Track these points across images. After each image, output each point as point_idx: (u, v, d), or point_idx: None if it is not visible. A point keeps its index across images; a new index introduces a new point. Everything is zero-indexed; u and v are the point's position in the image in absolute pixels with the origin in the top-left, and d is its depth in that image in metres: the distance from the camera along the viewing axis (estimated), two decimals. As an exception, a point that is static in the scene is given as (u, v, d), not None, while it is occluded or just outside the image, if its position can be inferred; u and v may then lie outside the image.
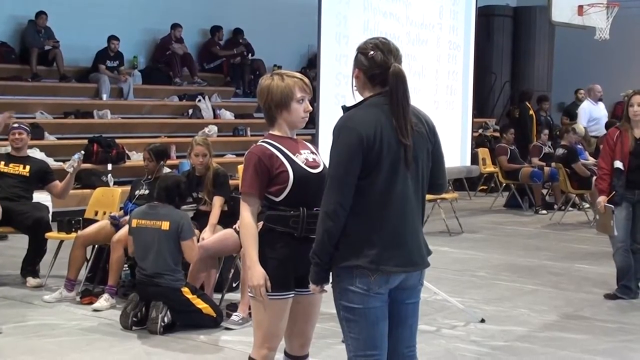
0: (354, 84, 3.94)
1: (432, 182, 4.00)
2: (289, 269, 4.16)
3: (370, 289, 3.78)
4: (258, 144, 4.25)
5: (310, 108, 4.30)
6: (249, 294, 4.19)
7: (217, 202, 7.56)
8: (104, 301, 7.42)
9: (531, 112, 17.06)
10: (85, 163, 13.39)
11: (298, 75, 4.30)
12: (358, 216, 3.78)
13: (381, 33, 6.72)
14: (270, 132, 4.29)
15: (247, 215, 4.14)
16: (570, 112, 18.93)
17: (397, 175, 3.78)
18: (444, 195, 12.73)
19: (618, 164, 7.87)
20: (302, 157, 4.23)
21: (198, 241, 7.15)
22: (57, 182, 8.57)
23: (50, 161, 12.99)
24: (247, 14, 18.45)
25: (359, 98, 3.92)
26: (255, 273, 4.09)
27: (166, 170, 8.63)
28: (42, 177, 8.59)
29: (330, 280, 3.90)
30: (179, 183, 7.19)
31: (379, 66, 3.84)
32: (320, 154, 4.40)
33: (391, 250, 3.78)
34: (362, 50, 3.90)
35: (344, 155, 3.74)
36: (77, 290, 7.80)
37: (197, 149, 7.70)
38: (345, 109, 3.90)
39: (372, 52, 3.86)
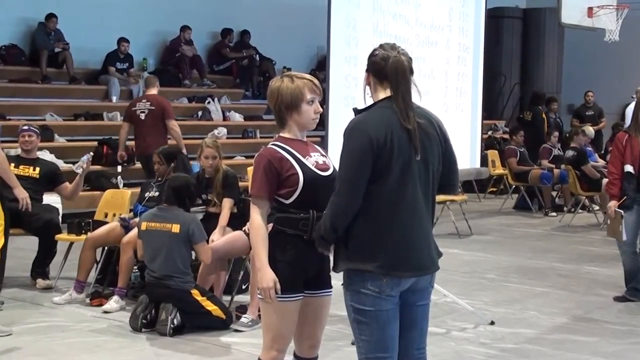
0: (368, 93, 3.96)
1: (444, 184, 4.01)
2: (298, 271, 4.16)
3: (382, 292, 3.79)
4: (268, 146, 4.25)
5: (321, 109, 4.30)
6: (259, 296, 4.19)
7: (227, 203, 7.56)
8: (114, 303, 7.43)
9: (543, 114, 17.01)
10: (95, 165, 13.42)
11: (308, 76, 4.31)
12: (368, 219, 3.79)
13: (390, 35, 6.74)
14: (281, 134, 4.29)
15: (257, 217, 4.14)
16: (580, 114, 18.90)
17: (407, 179, 3.79)
18: (453, 197, 12.73)
19: (628, 168, 7.84)
20: (312, 160, 4.23)
21: (207, 243, 7.15)
22: (66, 183, 8.58)
23: (60, 163, 13.00)
24: (256, 15, 18.47)
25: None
26: (265, 275, 4.09)
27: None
28: (51, 178, 8.61)
29: (341, 282, 3.92)
30: (189, 184, 7.18)
31: (383, 59, 3.88)
32: (329, 156, 4.41)
33: (401, 254, 3.79)
34: (369, 55, 3.98)
35: (354, 158, 3.76)
36: (86, 292, 7.82)
37: (206, 152, 7.70)
38: (356, 111, 3.91)
39: (376, 52, 3.93)
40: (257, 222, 4.14)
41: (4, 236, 6.71)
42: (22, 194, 7.92)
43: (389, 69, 3.85)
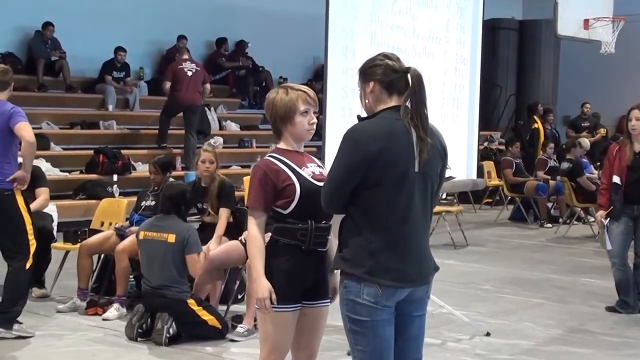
0: (367, 101, 3.93)
1: None
2: (296, 281, 4.16)
3: (377, 302, 3.79)
4: (265, 157, 4.26)
5: (315, 120, 4.30)
6: (256, 307, 4.20)
7: (223, 213, 7.54)
8: (114, 310, 7.44)
9: (536, 125, 17.02)
10: (91, 174, 13.44)
11: (303, 87, 4.32)
12: (361, 226, 3.81)
13: (388, 46, 6.75)
14: (278, 146, 4.30)
15: (253, 228, 4.14)
16: (576, 125, 18.94)
17: (402, 190, 3.79)
18: (449, 208, 12.79)
19: (615, 179, 7.93)
20: (309, 171, 4.23)
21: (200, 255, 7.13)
22: (44, 189, 8.38)
23: (56, 171, 13.04)
24: (253, 25, 18.49)
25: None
26: (261, 286, 4.09)
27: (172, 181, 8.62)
28: (34, 180, 8.30)
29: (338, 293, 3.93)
30: (184, 192, 7.18)
31: (395, 71, 3.86)
32: (326, 167, 4.41)
33: (388, 263, 3.79)
34: (371, 64, 3.92)
35: (344, 167, 3.79)
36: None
37: (204, 155, 7.64)
38: (360, 119, 3.91)
39: (381, 61, 3.89)
40: (254, 232, 4.15)
41: (34, 240, 6.80)
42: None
43: (412, 81, 3.82)
